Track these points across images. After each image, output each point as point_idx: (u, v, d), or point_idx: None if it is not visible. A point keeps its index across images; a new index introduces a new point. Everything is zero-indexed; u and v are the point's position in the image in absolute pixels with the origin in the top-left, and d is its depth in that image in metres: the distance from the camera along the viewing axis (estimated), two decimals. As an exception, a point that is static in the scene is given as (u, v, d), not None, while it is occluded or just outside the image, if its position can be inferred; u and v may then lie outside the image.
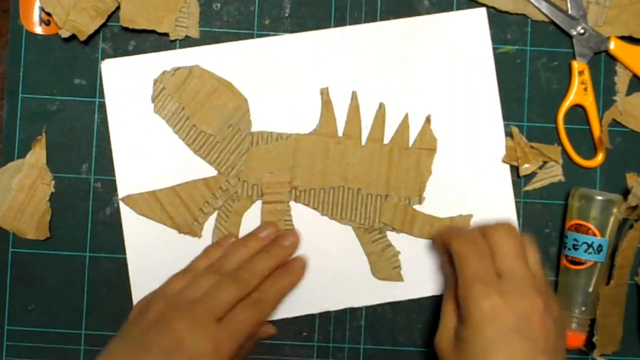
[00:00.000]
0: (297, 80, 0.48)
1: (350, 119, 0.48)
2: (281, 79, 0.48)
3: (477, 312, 0.39)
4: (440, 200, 0.48)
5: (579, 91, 0.48)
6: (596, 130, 0.48)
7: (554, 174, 0.48)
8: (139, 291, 0.47)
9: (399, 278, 0.48)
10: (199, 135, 0.47)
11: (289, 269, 0.47)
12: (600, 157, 0.48)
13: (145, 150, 0.47)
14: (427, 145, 0.48)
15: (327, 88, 0.48)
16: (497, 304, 0.39)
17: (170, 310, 0.41)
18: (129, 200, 0.47)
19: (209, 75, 0.47)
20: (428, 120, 0.48)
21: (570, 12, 0.48)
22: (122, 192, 0.47)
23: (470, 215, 0.48)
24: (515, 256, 0.41)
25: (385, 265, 0.48)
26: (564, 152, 0.48)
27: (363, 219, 0.48)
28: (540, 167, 0.48)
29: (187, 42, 0.48)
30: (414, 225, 0.48)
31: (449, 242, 0.43)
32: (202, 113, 0.47)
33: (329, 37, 0.48)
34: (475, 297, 0.39)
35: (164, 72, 0.47)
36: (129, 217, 0.47)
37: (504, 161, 0.48)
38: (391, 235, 0.48)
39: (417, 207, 0.48)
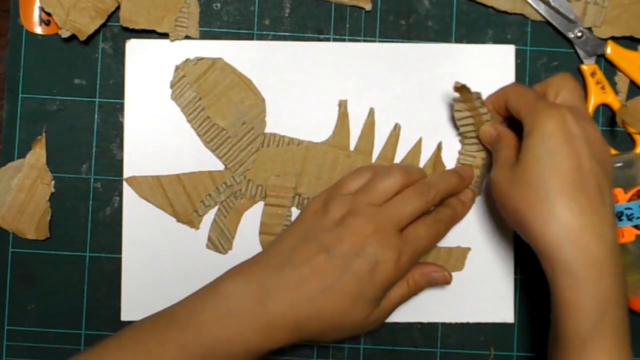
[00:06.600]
0: (317, 89, 0.48)
1: (364, 135, 0.47)
2: (301, 85, 0.47)
3: (543, 123, 0.39)
4: None
5: (598, 92, 0.48)
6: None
7: None
8: (129, 277, 0.47)
9: None
10: (211, 127, 0.47)
11: (461, 198, 0.46)
12: (639, 149, 0.48)
13: (156, 135, 0.47)
14: (437, 172, 0.47)
15: (345, 100, 0.47)
16: (562, 114, 0.39)
17: (351, 214, 0.40)
18: (133, 181, 0.47)
19: (231, 69, 0.47)
20: (439, 147, 0.47)
21: (566, 15, 0.48)
22: (127, 172, 0.47)
23: (469, 249, 0.47)
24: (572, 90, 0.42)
25: None
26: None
27: None
28: None
29: (205, 36, 0.48)
30: None
31: (504, 96, 0.44)
32: (218, 106, 0.47)
33: (355, 50, 0.48)
34: (542, 109, 0.40)
35: (186, 59, 0.47)
36: (130, 199, 0.47)
37: None
38: None
39: None
